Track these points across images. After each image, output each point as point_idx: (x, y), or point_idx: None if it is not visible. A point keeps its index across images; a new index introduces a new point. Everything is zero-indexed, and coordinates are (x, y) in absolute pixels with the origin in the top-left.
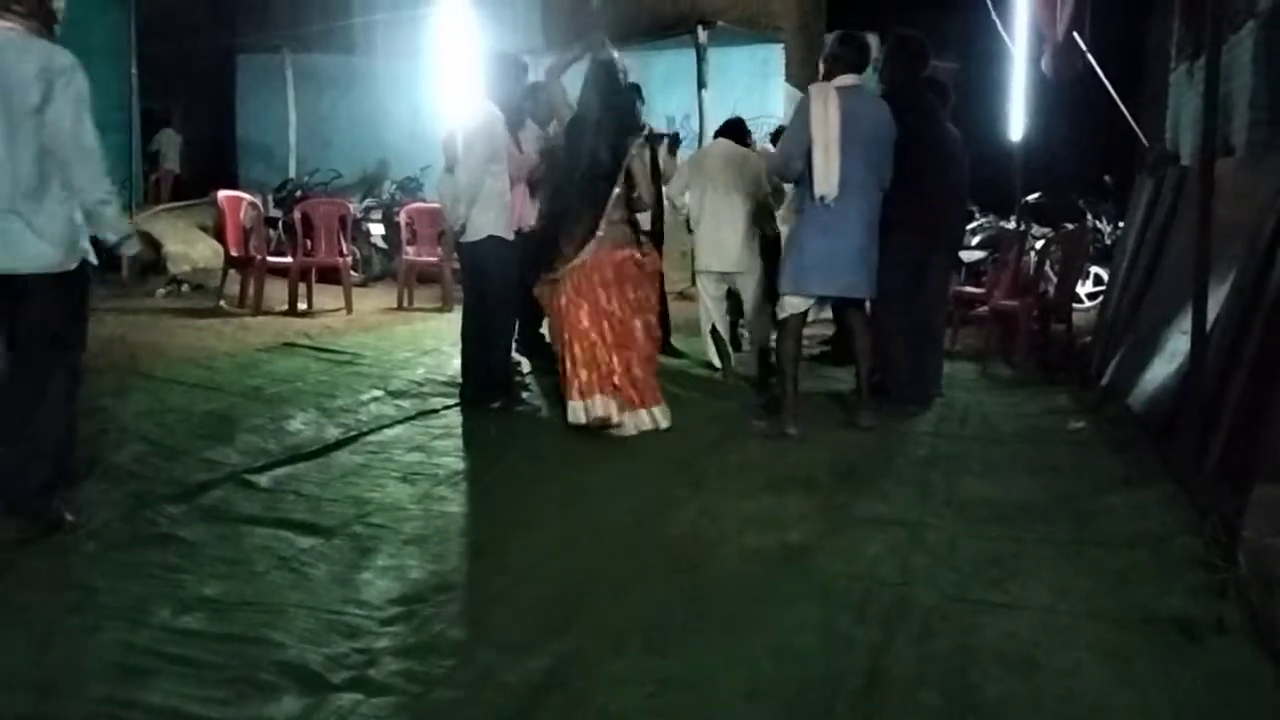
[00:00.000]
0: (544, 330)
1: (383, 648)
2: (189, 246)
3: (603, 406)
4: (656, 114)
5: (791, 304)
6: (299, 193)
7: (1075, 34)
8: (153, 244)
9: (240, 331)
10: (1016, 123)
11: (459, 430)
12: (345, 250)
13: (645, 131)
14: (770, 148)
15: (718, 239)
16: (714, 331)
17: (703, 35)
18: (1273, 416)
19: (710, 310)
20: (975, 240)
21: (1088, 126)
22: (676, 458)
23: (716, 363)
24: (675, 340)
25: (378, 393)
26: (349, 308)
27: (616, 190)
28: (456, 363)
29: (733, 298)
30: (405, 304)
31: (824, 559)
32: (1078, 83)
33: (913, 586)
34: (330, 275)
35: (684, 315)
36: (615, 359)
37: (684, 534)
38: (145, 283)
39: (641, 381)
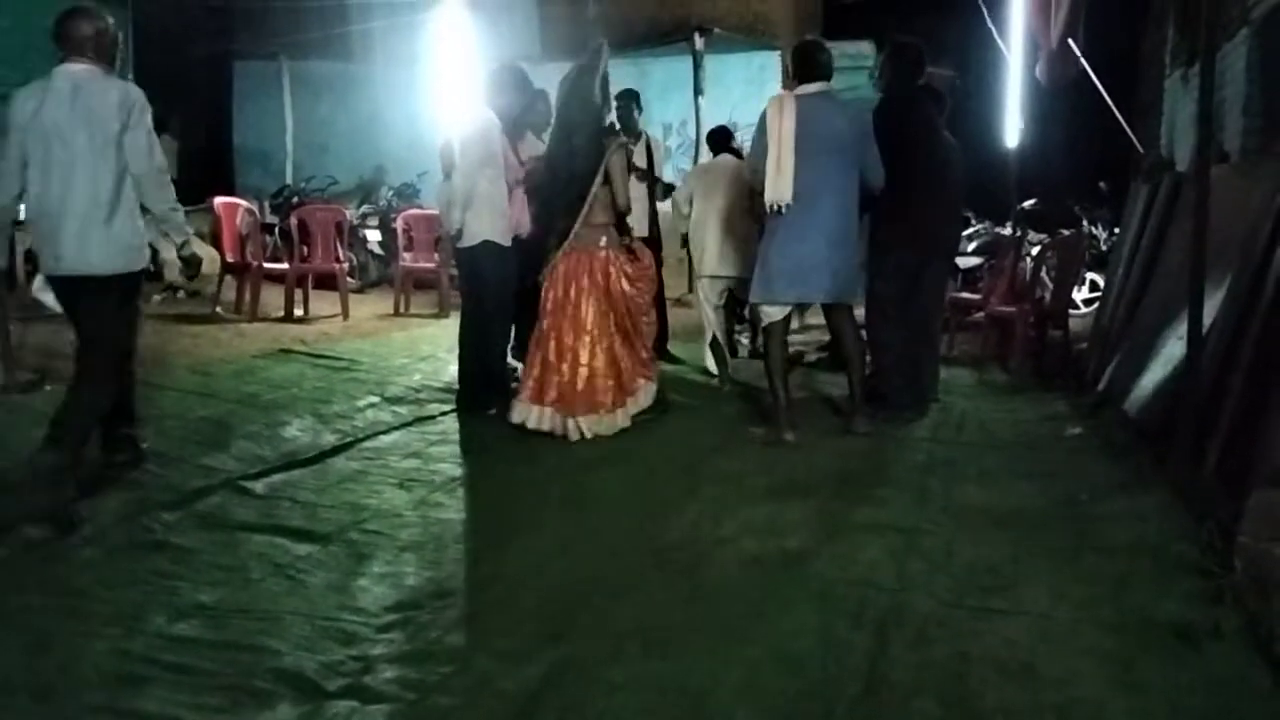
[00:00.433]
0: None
1: (379, 654)
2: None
3: (545, 419)
4: (653, 121)
5: (768, 312)
6: (295, 199)
7: (1070, 41)
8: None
9: (236, 338)
10: (1012, 129)
11: (456, 436)
12: (342, 256)
13: (619, 135)
14: None
15: (720, 246)
16: (713, 341)
17: (700, 42)
18: (1269, 421)
19: (710, 318)
20: (971, 246)
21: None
22: (674, 464)
23: (714, 370)
24: (672, 346)
25: (374, 399)
26: (345, 314)
27: (595, 190)
28: (453, 369)
29: (728, 305)
30: (402, 310)
31: (821, 565)
32: (1073, 89)
33: (910, 592)
34: (327, 281)
35: (681, 322)
36: (576, 360)
37: (681, 540)
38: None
39: (618, 378)
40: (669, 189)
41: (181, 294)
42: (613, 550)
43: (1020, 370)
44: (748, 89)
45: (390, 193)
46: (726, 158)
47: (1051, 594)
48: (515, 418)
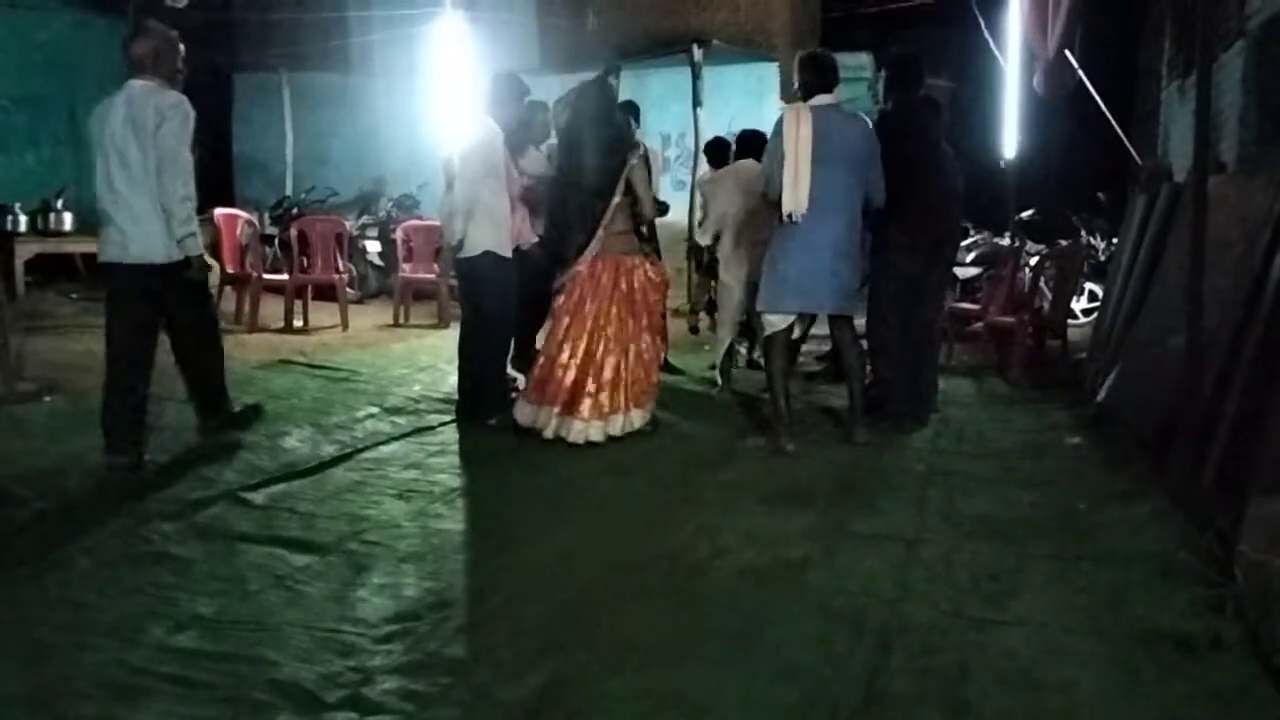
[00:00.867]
0: (539, 344)
1: (378, 666)
2: None
3: (546, 419)
4: (651, 132)
5: (772, 322)
6: (295, 210)
7: (1066, 52)
8: None
9: (236, 349)
10: (1010, 140)
11: (455, 447)
12: (341, 267)
13: (639, 147)
14: None
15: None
16: (730, 348)
17: (698, 54)
18: (1269, 430)
19: (731, 326)
20: (970, 257)
21: (1081, 143)
22: (674, 474)
23: (719, 379)
24: (671, 357)
25: (373, 410)
26: (345, 325)
27: (616, 200)
28: (452, 379)
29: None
30: (401, 321)
31: (821, 575)
32: (1070, 100)
33: (910, 603)
34: (326, 292)
35: (680, 332)
36: (594, 367)
37: (681, 550)
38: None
39: (625, 385)
40: (665, 208)
41: None
42: (612, 561)
43: (1019, 380)
44: (746, 100)
45: (390, 204)
46: (747, 161)
47: (1052, 604)
48: (518, 417)
